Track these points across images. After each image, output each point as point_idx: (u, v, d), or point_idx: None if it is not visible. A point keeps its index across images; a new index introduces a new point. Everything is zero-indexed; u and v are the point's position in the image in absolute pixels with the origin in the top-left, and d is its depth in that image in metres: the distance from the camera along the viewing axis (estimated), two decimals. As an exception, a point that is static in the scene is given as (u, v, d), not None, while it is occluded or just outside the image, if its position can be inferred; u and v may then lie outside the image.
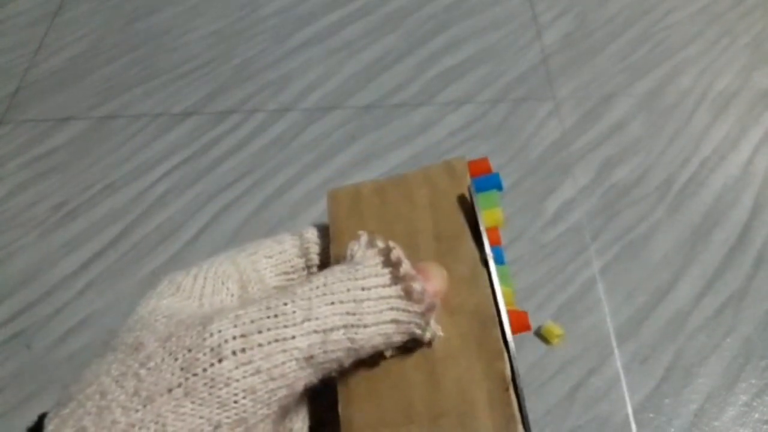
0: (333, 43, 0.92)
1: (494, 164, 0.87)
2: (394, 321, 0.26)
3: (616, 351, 0.67)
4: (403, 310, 0.26)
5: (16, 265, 0.78)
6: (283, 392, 0.24)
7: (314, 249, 0.31)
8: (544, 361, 0.67)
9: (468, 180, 0.30)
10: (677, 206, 0.74)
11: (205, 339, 0.23)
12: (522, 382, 0.28)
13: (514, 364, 0.26)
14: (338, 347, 0.25)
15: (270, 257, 0.31)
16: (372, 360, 0.27)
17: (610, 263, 0.72)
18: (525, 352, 0.68)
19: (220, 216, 0.80)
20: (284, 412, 0.26)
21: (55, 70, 0.93)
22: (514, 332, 0.28)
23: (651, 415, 0.64)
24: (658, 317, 0.69)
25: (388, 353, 0.27)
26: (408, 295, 0.26)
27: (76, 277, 0.77)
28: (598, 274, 0.72)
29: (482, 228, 0.29)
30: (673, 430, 0.63)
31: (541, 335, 0.68)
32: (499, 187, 0.31)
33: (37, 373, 0.70)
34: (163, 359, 0.23)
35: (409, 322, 0.27)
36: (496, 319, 0.27)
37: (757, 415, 0.63)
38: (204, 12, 0.98)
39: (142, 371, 0.23)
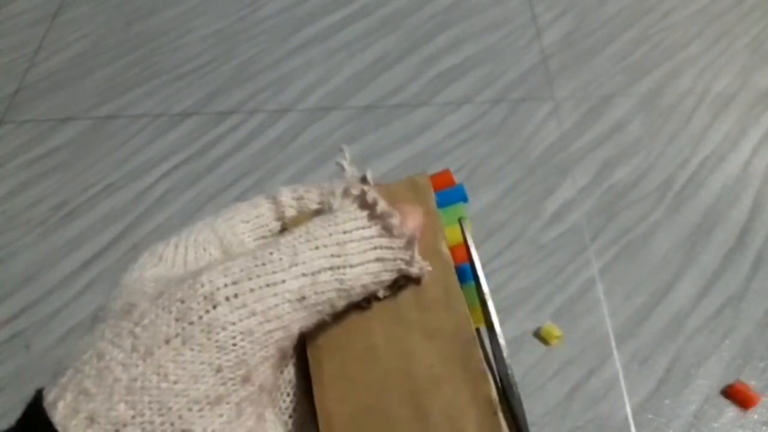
0: (333, 43, 0.92)
1: (494, 164, 0.86)
2: (379, 259, 0.27)
3: (615, 352, 0.67)
4: (386, 248, 0.27)
5: (17, 265, 0.78)
6: (279, 334, 0.24)
7: (290, 212, 0.31)
8: (543, 362, 0.67)
9: (432, 195, 0.30)
10: (677, 207, 0.74)
11: (196, 290, 0.23)
12: (520, 389, 0.27)
13: (511, 374, 0.26)
14: (328, 288, 0.25)
15: (247, 222, 0.31)
16: (358, 397, 0.27)
17: (609, 264, 0.72)
18: (524, 353, 0.68)
19: (220, 216, 0.80)
20: (283, 356, 0.26)
21: (55, 70, 0.93)
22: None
23: (650, 416, 0.64)
24: (658, 318, 0.69)
25: (380, 293, 0.28)
26: (388, 231, 0.27)
27: (76, 277, 0.77)
28: (597, 274, 0.72)
29: (472, 247, 0.29)
30: (672, 431, 0.63)
31: (540, 336, 0.68)
32: (465, 199, 0.30)
33: (37, 373, 0.70)
34: (157, 315, 0.23)
35: (394, 259, 0.27)
36: (477, 339, 0.27)
37: (756, 417, 0.63)
38: (204, 12, 0.98)
39: (137, 329, 0.23)
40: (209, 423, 0.22)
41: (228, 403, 0.23)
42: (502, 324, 0.27)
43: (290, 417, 0.28)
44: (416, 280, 0.28)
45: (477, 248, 0.28)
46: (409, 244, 0.27)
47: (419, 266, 0.28)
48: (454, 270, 0.28)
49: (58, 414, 0.21)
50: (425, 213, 0.29)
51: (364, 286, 0.27)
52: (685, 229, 0.72)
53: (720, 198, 0.74)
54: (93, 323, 0.25)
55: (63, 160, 0.83)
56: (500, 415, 0.26)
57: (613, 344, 0.68)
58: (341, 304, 0.26)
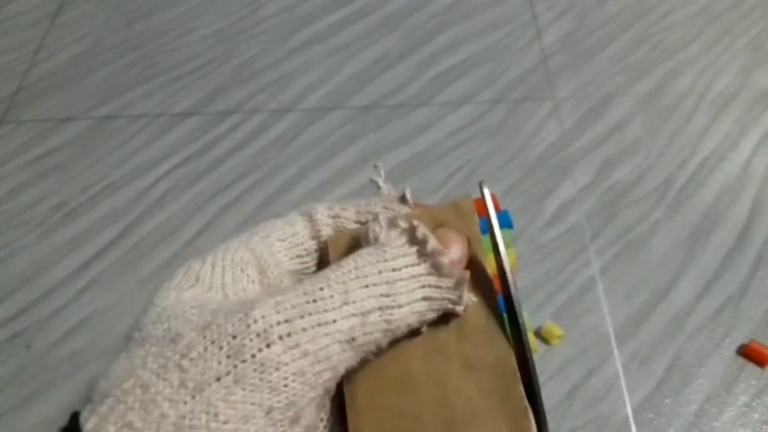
0: (333, 43, 0.92)
1: (494, 164, 0.87)
2: (426, 298, 0.26)
3: (615, 351, 0.67)
4: (435, 287, 0.26)
5: (17, 265, 0.78)
6: (327, 375, 0.24)
7: (326, 231, 0.31)
8: (544, 362, 0.67)
9: (476, 220, 0.29)
10: (677, 206, 0.74)
11: (249, 325, 0.22)
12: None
13: (543, 412, 0.25)
14: (376, 329, 0.25)
15: (283, 240, 0.30)
16: (393, 425, 0.26)
17: (609, 263, 0.72)
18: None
19: (220, 216, 0.80)
20: (327, 395, 0.26)
21: (55, 70, 0.93)
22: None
23: (650, 415, 0.64)
24: (658, 317, 0.69)
25: (423, 329, 0.27)
26: (437, 270, 0.26)
27: (76, 277, 0.77)
28: (597, 274, 0.72)
29: (508, 272, 0.28)
30: (672, 430, 0.63)
31: (541, 336, 0.68)
32: (510, 226, 0.29)
33: (37, 373, 0.70)
34: (206, 348, 0.22)
35: (442, 298, 0.26)
36: (518, 373, 0.26)
37: (756, 416, 0.63)
38: (204, 12, 0.98)
39: (185, 362, 0.22)
40: None
41: None
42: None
43: None
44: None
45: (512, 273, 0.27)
46: (458, 285, 0.26)
47: (467, 305, 0.27)
48: (496, 300, 0.28)
49: None
50: (469, 240, 0.28)
51: (409, 325, 0.26)
52: (685, 228, 0.72)
53: (720, 198, 0.74)
54: (129, 345, 0.24)
55: (63, 160, 0.83)
56: None
57: (614, 344, 0.68)
58: (385, 342, 0.26)
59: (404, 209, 0.29)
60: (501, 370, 0.26)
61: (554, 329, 0.68)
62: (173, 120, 0.86)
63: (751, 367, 0.66)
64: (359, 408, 0.27)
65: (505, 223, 0.29)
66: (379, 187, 0.30)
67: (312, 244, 0.31)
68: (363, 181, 0.76)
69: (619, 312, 0.70)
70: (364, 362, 0.27)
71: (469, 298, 0.27)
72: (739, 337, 0.67)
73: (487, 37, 0.92)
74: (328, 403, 0.27)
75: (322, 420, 0.27)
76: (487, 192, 0.28)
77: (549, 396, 0.65)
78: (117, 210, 0.81)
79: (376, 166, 0.30)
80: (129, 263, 0.77)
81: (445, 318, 0.27)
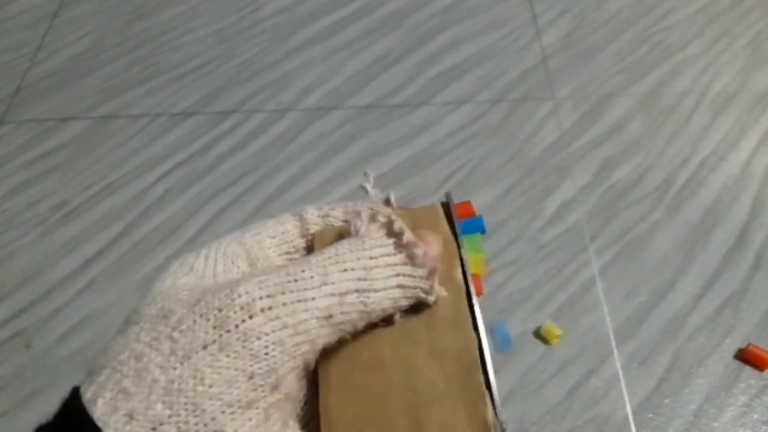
0: (333, 43, 0.92)
1: (494, 164, 0.87)
2: (401, 286, 0.29)
3: (615, 351, 0.67)
4: (408, 276, 0.29)
5: (17, 265, 0.78)
6: (306, 347, 0.26)
7: (315, 229, 0.33)
8: (543, 362, 0.67)
9: (454, 222, 0.32)
10: (676, 206, 0.74)
11: (234, 299, 0.25)
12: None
13: (497, 403, 0.28)
14: (352, 309, 0.27)
15: (273, 237, 0.32)
16: (361, 404, 0.29)
17: (609, 263, 0.72)
18: (524, 352, 0.68)
19: (220, 216, 0.80)
20: (306, 368, 0.28)
21: (55, 70, 0.93)
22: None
23: (650, 415, 0.64)
24: (658, 317, 0.69)
25: (396, 316, 0.29)
26: (411, 260, 0.29)
27: (76, 277, 0.77)
28: (597, 274, 0.72)
29: (467, 270, 0.31)
30: (672, 430, 0.63)
31: (541, 336, 0.68)
32: (482, 231, 0.32)
33: (37, 373, 0.70)
34: (194, 321, 0.24)
35: (415, 287, 0.29)
36: (479, 363, 0.28)
37: (756, 416, 0.63)
38: (204, 12, 0.98)
39: (175, 333, 0.24)
40: (240, 425, 0.24)
41: (257, 408, 0.25)
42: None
43: (306, 425, 0.30)
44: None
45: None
46: (430, 275, 0.29)
47: (437, 295, 0.30)
48: (465, 296, 0.30)
49: (98, 410, 0.22)
50: (445, 239, 0.31)
51: (383, 309, 0.28)
52: (684, 228, 0.72)
53: (720, 198, 0.74)
54: (126, 326, 0.26)
55: (63, 160, 0.83)
56: (492, 430, 0.27)
57: (613, 344, 0.68)
58: (361, 324, 0.28)
59: (387, 210, 0.32)
60: (463, 359, 0.29)
61: (554, 329, 0.68)
62: (173, 120, 0.86)
63: (750, 367, 0.66)
64: (330, 386, 0.30)
65: (477, 228, 0.32)
66: (367, 192, 0.33)
67: (301, 242, 0.33)
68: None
69: (619, 312, 0.70)
70: (339, 345, 0.29)
71: (441, 290, 0.29)
72: (739, 338, 0.67)
73: (487, 37, 0.92)
74: (308, 377, 0.30)
75: (304, 402, 0.29)
76: (452, 204, 0.31)
77: (549, 396, 0.65)
78: (117, 210, 0.81)
79: (365, 173, 0.33)
80: (129, 263, 0.77)
81: (416, 309, 0.30)
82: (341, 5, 0.97)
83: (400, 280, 0.29)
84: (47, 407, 0.23)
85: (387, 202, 0.33)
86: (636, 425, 0.63)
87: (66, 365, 0.70)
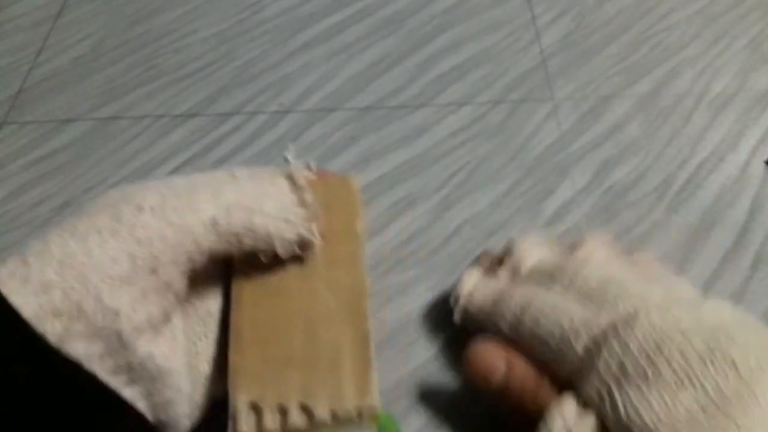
0: (333, 44, 0.93)
1: (494, 165, 0.87)
2: (286, 220, 0.35)
3: (614, 351, 0.68)
4: (294, 213, 0.36)
5: (19, 266, 0.78)
6: (189, 246, 0.31)
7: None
8: (543, 361, 0.67)
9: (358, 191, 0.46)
10: (675, 207, 0.74)
11: (131, 201, 0.31)
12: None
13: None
14: (238, 222, 0.33)
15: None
16: (266, 319, 0.36)
17: (608, 264, 0.72)
18: (524, 352, 0.68)
19: (222, 217, 0.80)
20: (193, 268, 0.33)
21: (57, 71, 0.93)
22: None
23: (649, 414, 0.64)
24: (657, 317, 0.69)
25: (280, 250, 0.36)
26: (302, 204, 0.36)
27: (78, 278, 0.77)
28: (596, 274, 0.72)
29: (360, 232, 0.40)
30: (670, 429, 0.63)
31: (540, 335, 0.68)
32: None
33: (39, 373, 0.70)
34: (98, 212, 0.31)
35: (298, 224, 0.36)
36: (368, 292, 0.38)
37: (754, 415, 0.63)
38: (206, 14, 0.99)
39: (78, 224, 0.30)
40: (117, 296, 0.28)
41: (135, 285, 0.29)
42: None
43: (200, 340, 0.35)
44: (324, 246, 0.38)
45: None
46: (313, 216, 0.37)
47: (315, 237, 0.37)
48: (362, 244, 0.39)
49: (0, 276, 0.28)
50: (351, 201, 0.41)
51: (268, 234, 0.34)
52: (683, 229, 0.73)
53: (719, 199, 0.75)
54: None
55: (65, 161, 0.84)
56: (371, 344, 0.35)
57: (613, 344, 0.68)
58: (247, 243, 0.34)
59: (308, 173, 0.39)
60: (355, 290, 0.37)
61: (553, 329, 0.68)
62: (175, 121, 0.86)
63: (749, 366, 0.66)
64: (241, 305, 0.36)
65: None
66: (289, 163, 0.39)
67: None
68: (363, 181, 0.76)
69: (618, 312, 0.70)
70: (251, 274, 0.37)
71: (319, 239, 0.38)
72: (738, 337, 0.67)
73: (486, 38, 0.92)
74: (214, 309, 0.37)
75: (204, 322, 0.36)
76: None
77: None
78: (119, 211, 0.81)
79: (289, 144, 0.46)
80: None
81: (318, 249, 0.38)
82: (341, 7, 0.98)
83: (287, 214, 0.35)
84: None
85: (308, 167, 0.40)
86: (635, 425, 0.64)
87: (68, 365, 0.71)
